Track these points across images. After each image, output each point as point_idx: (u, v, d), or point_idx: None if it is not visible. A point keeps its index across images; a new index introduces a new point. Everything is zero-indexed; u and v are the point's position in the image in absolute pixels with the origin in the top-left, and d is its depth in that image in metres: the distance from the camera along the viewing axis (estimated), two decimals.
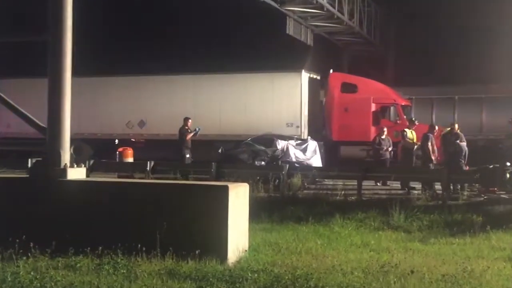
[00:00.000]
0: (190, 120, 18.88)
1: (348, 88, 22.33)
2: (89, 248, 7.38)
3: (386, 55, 31.01)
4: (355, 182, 15.22)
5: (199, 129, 18.91)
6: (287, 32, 24.62)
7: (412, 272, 6.86)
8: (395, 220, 11.48)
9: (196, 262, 7.25)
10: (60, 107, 8.85)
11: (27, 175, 10.17)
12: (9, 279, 6.34)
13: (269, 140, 19.44)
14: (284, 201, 13.93)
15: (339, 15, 24.61)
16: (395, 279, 6.58)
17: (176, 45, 30.32)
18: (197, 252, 7.37)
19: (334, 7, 23.98)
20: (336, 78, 22.73)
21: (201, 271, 6.97)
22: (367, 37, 28.54)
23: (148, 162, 17.30)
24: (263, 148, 18.96)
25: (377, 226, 11.36)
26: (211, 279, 6.63)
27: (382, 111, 21.79)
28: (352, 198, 14.44)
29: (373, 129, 21.39)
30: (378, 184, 17.25)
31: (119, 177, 17.04)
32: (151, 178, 15.97)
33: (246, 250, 8.23)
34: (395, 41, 30.80)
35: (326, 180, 17.25)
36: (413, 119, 19.10)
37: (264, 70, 22.82)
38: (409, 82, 25.55)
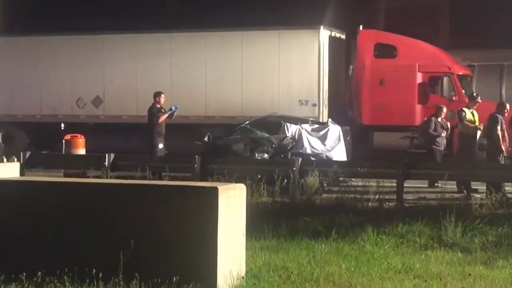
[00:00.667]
0: (163, 96, 18.78)
1: (385, 51, 22.35)
2: (24, 274, 7.39)
3: (439, 5, 30.82)
4: (394, 182, 15.25)
5: (176, 108, 18.82)
6: None
7: None
8: (449, 235, 11.50)
9: None
10: None
11: None
12: None
13: (274, 124, 19.44)
14: (296, 208, 13.97)
15: None
16: None
17: None
18: (174, 279, 7.38)
19: None
20: (368, 38, 22.70)
21: None
22: None
23: (107, 155, 17.36)
24: (266, 135, 18.97)
25: (424, 244, 11.37)
26: None
27: (432, 83, 21.80)
28: (390, 204, 14.47)
29: (418, 109, 21.45)
30: (438, 185, 17.21)
31: (66, 175, 17.07)
32: (111, 177, 16.00)
33: (242, 277, 8.25)
34: None
35: (353, 179, 17.28)
36: (475, 94, 19.05)
37: (268, 26, 22.71)
38: (469, 43, 25.48)
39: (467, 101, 18.78)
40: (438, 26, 29.92)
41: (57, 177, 14.53)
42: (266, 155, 18.41)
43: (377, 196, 14.38)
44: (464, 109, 17.83)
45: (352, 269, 9.31)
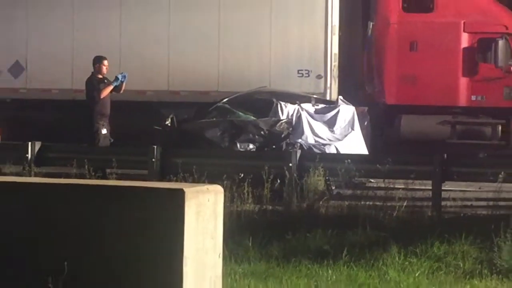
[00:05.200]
0: (105, 62, 18.74)
1: (418, 2, 22.42)
2: None
3: None
4: (428, 185, 15.31)
5: (123, 77, 18.74)
6: None
7: None
8: (504, 259, 11.54)
9: None
10: None
11: None
12: None
13: (263, 102, 19.51)
14: (292, 220, 13.99)
15: None
16: None
17: None
18: None
19: None
20: None
21: None
22: None
23: (30, 145, 17.34)
24: (251, 118, 19.02)
25: (469, 270, 11.43)
26: None
27: (482, 48, 21.86)
28: (424, 215, 14.51)
29: (464, 83, 21.52)
30: None
31: None
32: (36, 174, 15.99)
33: None
34: None
35: (372, 180, 17.32)
36: None
37: None
38: None
39: None
40: None
41: None
42: (251, 146, 18.47)
43: (405, 203, 14.42)
44: None
45: None
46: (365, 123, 20.34)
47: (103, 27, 22.77)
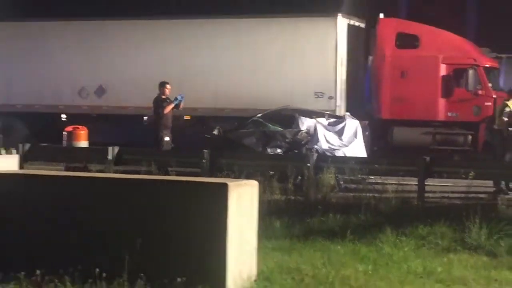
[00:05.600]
0: (168, 86, 18.71)
1: (407, 41, 22.33)
2: (23, 273, 7.42)
3: None
4: (415, 181, 15.24)
5: (182, 97, 18.70)
6: None
7: None
8: (473, 238, 11.43)
9: None
10: None
11: None
12: None
13: (288, 117, 19.43)
14: (310, 207, 13.92)
15: None
16: None
17: None
18: (180, 280, 7.38)
19: None
20: (389, 27, 22.67)
21: None
22: None
23: (110, 148, 17.36)
24: (279, 128, 18.97)
25: (446, 246, 11.33)
26: None
27: (456, 76, 21.75)
28: (410, 204, 14.41)
29: (442, 103, 21.41)
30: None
31: (67, 169, 17.09)
32: (115, 171, 16.01)
33: (254, 280, 8.24)
34: None
35: (371, 177, 17.24)
36: None
37: (282, 13, 22.71)
38: (498, 34, 25.34)
39: (507, 95, 18.75)
40: (465, 15, 29.83)
41: (58, 171, 14.56)
42: (279, 150, 18.42)
43: (396, 195, 14.34)
44: (507, 102, 17.82)
45: (370, 272, 9.28)
46: (366, 133, 20.24)
47: (168, 60, 22.77)
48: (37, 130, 23.55)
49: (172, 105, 18.51)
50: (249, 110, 20.89)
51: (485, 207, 13.11)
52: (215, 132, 19.77)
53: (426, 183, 15.37)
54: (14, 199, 8.40)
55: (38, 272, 7.38)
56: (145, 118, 19.83)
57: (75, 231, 8.03)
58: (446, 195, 15.84)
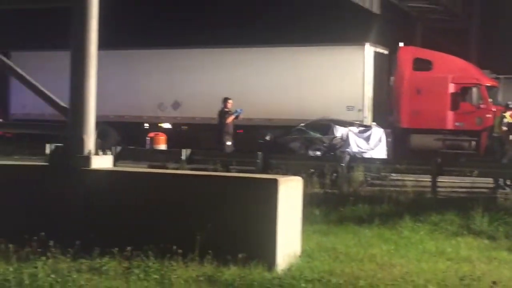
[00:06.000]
0: (230, 101, 18.78)
1: (422, 65, 22.12)
2: (116, 249, 7.47)
3: (469, 27, 30.36)
4: (429, 178, 15.08)
5: (241, 110, 18.79)
6: None
7: (494, 283, 6.75)
8: (477, 224, 11.31)
9: (239, 268, 7.28)
10: (84, 85, 8.97)
11: (46, 163, 10.40)
12: (27, 281, 6.51)
13: (326, 126, 19.37)
14: (343, 198, 13.82)
15: None
16: None
17: (217, 14, 30.39)
18: (240, 256, 7.39)
19: None
20: (407, 53, 22.51)
21: (246, 278, 6.99)
22: (447, 4, 27.95)
23: (184, 151, 17.43)
24: (318, 135, 18.93)
25: (454, 231, 11.20)
26: None
27: (463, 92, 21.51)
28: (426, 196, 14.27)
29: (450, 115, 21.21)
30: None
31: (150, 167, 17.25)
32: (187, 169, 16.11)
33: (298, 256, 8.23)
34: (480, 10, 30.08)
35: (393, 174, 17.09)
36: (510, 103, 18.81)
37: (320, 43, 22.77)
38: (495, 58, 25.03)
39: (504, 108, 18.65)
40: (468, 43, 29.52)
41: (143, 168, 14.70)
42: (318, 153, 18.39)
43: (413, 190, 14.20)
44: (505, 114, 17.76)
45: (392, 251, 9.23)
46: (389, 139, 20.10)
47: (230, 80, 22.84)
48: (126, 136, 23.79)
49: (233, 116, 18.56)
50: (294, 120, 20.84)
51: (486, 199, 12.97)
52: (267, 138, 19.83)
53: (438, 180, 15.16)
54: (108, 190, 8.50)
55: (128, 248, 7.46)
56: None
57: (157, 216, 8.10)
58: (454, 189, 15.60)
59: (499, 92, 22.79)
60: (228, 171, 15.69)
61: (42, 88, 9.54)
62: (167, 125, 24.16)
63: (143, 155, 19.09)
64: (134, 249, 7.46)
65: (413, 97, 21.77)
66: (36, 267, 7.01)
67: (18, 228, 7.86)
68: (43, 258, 7.27)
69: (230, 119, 18.53)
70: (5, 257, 7.42)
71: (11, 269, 6.95)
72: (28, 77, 9.74)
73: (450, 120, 21.38)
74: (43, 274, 6.77)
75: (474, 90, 21.30)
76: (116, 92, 23.51)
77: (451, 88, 21.51)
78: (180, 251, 7.41)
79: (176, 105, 24.31)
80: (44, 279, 6.62)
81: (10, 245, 7.51)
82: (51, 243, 7.47)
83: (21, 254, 7.42)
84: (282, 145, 18.92)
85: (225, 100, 18.81)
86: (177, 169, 15.95)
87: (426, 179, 15.20)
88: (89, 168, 8.74)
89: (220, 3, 30.88)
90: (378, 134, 19.47)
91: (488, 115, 20.75)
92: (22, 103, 24.80)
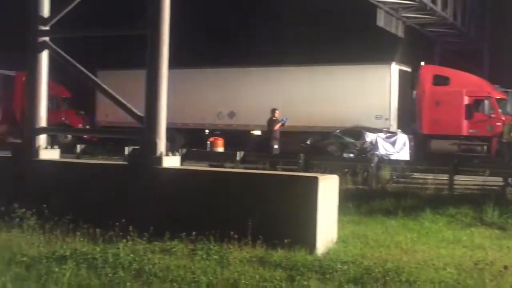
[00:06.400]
0: (277, 111, 18.85)
1: (440, 80, 21.81)
2: (183, 234, 7.54)
3: (481, 49, 29.85)
4: (446, 177, 14.82)
5: (286, 119, 18.86)
6: (378, 23, 24.22)
7: (505, 267, 6.60)
8: (488, 217, 11.07)
9: (285, 251, 7.27)
10: (157, 97, 9.09)
11: (125, 163, 10.57)
12: (111, 260, 6.63)
13: (358, 132, 19.25)
14: (372, 193, 13.71)
15: (432, 6, 23.98)
16: (490, 277, 6.35)
17: (266, 38, 30.51)
18: (286, 241, 7.38)
19: None
20: (428, 71, 22.24)
21: (291, 260, 6.98)
22: (461, 28, 27.55)
23: (238, 153, 17.49)
24: (351, 140, 18.82)
25: (469, 222, 10.99)
26: (301, 269, 6.63)
27: (476, 104, 21.11)
28: (444, 193, 14.03)
29: (465, 123, 20.89)
30: None
31: (210, 166, 17.38)
32: (241, 168, 16.17)
33: (335, 242, 8.19)
34: (491, 34, 29.53)
35: (415, 173, 16.86)
36: None
37: (353, 62, 22.68)
38: (504, 74, 24.53)
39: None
40: (481, 62, 29.02)
41: (205, 167, 14.82)
42: (351, 155, 18.26)
43: (433, 186, 13.98)
44: None
45: (415, 239, 9.10)
46: (411, 143, 19.84)
47: (277, 94, 22.84)
48: (190, 140, 24.00)
49: (279, 124, 18.63)
50: (331, 128, 20.76)
51: (497, 195, 12.66)
52: (308, 142, 19.76)
53: (454, 178, 14.89)
54: (177, 185, 8.59)
55: (193, 233, 7.54)
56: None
57: (217, 207, 8.15)
58: (468, 187, 15.28)
59: (508, 104, 22.29)
60: (275, 170, 15.70)
61: (122, 100, 9.70)
62: (257, 132, 24.00)
63: (204, 156, 19.19)
64: (198, 234, 7.52)
65: (433, 108, 21.43)
66: (118, 248, 7.13)
67: (103, 215, 7.99)
68: (124, 240, 7.40)
69: (277, 127, 18.59)
70: (92, 240, 7.57)
71: (98, 249, 7.09)
72: (110, 91, 9.94)
73: (465, 128, 21.00)
74: (124, 254, 6.88)
75: (486, 102, 20.93)
76: (182, 103, 23.72)
77: (466, 100, 21.13)
78: (236, 236, 7.45)
79: (231, 114, 24.43)
80: (125, 257, 6.73)
81: (97, 230, 7.67)
82: (130, 228, 7.59)
83: (106, 237, 7.55)
84: (321, 148, 18.85)
85: (273, 110, 18.87)
86: (232, 168, 16.05)
87: (444, 177, 14.93)
88: (160, 167, 8.84)
89: (266, 30, 31.02)
90: (402, 139, 19.25)
91: (498, 123, 20.37)
92: (105, 113, 25.27)
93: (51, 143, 10.70)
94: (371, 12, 24.18)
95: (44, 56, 10.18)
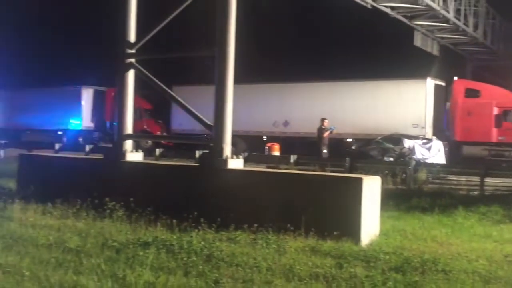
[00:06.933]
0: (326, 121, 18.76)
1: (472, 93, 21.26)
2: (246, 225, 7.61)
3: (510, 64, 28.77)
4: (477, 179, 14.37)
5: (334, 128, 18.79)
6: (415, 43, 23.73)
7: None
8: None
9: (334, 242, 7.22)
10: (224, 109, 9.21)
11: (197, 164, 10.73)
12: (185, 246, 6.75)
13: (397, 139, 18.96)
14: (410, 193, 13.41)
15: (464, 27, 23.31)
16: None
17: (316, 56, 30.44)
18: (335, 233, 7.33)
19: (459, 20, 22.74)
20: (460, 84, 21.70)
21: (339, 249, 6.93)
22: (491, 47, 26.70)
23: (292, 156, 17.46)
24: (391, 146, 18.53)
25: (499, 219, 10.55)
26: (348, 257, 6.57)
27: (504, 114, 20.45)
28: (475, 193, 13.61)
29: (494, 131, 20.25)
30: None
31: (267, 167, 17.39)
32: (295, 169, 16.14)
33: (377, 235, 8.07)
34: None
35: (449, 176, 16.40)
36: None
37: (393, 77, 22.37)
38: None
39: None
40: (509, 76, 27.96)
41: (263, 168, 14.84)
42: (391, 159, 17.96)
43: (465, 187, 13.58)
44: None
45: (449, 233, 8.83)
46: (446, 149, 19.37)
47: (326, 105, 22.69)
48: (250, 145, 24.14)
49: (328, 132, 18.55)
50: (373, 135, 20.53)
51: None
52: (353, 147, 19.57)
53: (484, 180, 14.42)
54: (239, 183, 8.65)
55: (254, 225, 7.58)
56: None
57: (275, 203, 8.15)
58: (498, 188, 14.75)
59: None
60: (324, 171, 15.60)
61: (194, 111, 9.88)
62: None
63: (263, 159, 19.25)
64: (258, 225, 7.56)
65: (465, 118, 20.88)
66: (191, 236, 7.23)
67: (178, 208, 8.15)
68: (196, 230, 7.52)
69: (326, 134, 18.51)
70: (170, 229, 7.71)
71: (174, 237, 7.20)
72: (184, 103, 10.14)
73: (494, 135, 20.39)
74: (196, 241, 6.98)
75: None
76: (244, 114, 23.85)
77: (495, 110, 20.52)
78: (291, 228, 7.46)
79: (286, 123, 24.44)
80: (197, 244, 6.82)
81: (174, 220, 7.82)
82: (201, 220, 7.71)
83: (181, 227, 7.69)
84: (364, 153, 18.64)
85: (323, 120, 18.80)
86: (287, 169, 16.04)
87: (475, 179, 14.48)
88: (226, 168, 8.94)
89: (315, 47, 30.93)
90: (437, 145, 18.85)
91: None
92: (179, 122, 25.70)
93: (135, 147, 10.98)
94: (409, 33, 23.77)
95: (131, 74, 10.50)
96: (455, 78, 21.88)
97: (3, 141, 24.43)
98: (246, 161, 17.38)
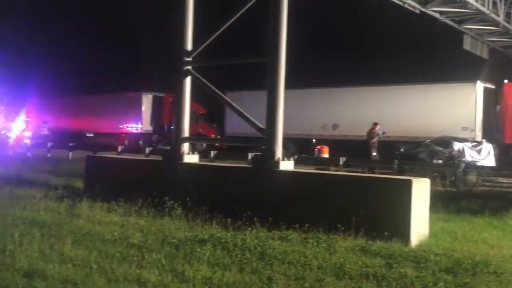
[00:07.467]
0: (378, 126, 18.63)
1: None
2: (297, 225, 7.59)
3: None
4: None
5: (383, 132, 18.63)
6: (464, 47, 22.99)
7: None
8: None
9: (383, 243, 7.09)
10: (276, 113, 9.26)
11: (249, 165, 10.81)
12: (239, 243, 6.81)
13: (446, 141, 18.44)
14: (460, 195, 13.00)
15: None
16: None
17: (365, 61, 30.10)
18: (384, 234, 7.21)
19: (509, 23, 21.89)
20: (510, 87, 20.87)
21: (388, 250, 6.80)
22: None
23: (341, 158, 17.30)
24: (440, 148, 18.04)
25: None
26: (397, 258, 6.44)
27: None
28: None
29: None
30: None
31: (317, 169, 17.30)
32: (344, 171, 15.99)
33: (426, 236, 7.88)
34: None
35: (500, 178, 15.81)
36: None
37: (443, 81, 21.88)
38: None
39: None
40: None
41: (313, 170, 14.76)
42: (440, 161, 17.49)
43: None
44: None
45: (500, 236, 8.50)
46: (495, 151, 18.69)
47: (372, 107, 22.47)
48: (299, 148, 24.09)
49: (377, 137, 18.36)
50: (422, 138, 20.06)
51: None
52: (401, 150, 19.19)
53: None
54: (293, 184, 8.64)
55: (306, 224, 7.57)
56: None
57: (325, 204, 8.11)
58: None
59: None
60: (373, 173, 15.40)
61: (247, 115, 9.97)
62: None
63: (312, 161, 19.16)
64: (309, 225, 7.53)
65: None
66: (245, 234, 7.28)
67: (232, 207, 8.22)
68: (249, 228, 7.56)
69: (375, 139, 18.38)
70: (225, 227, 7.79)
71: (229, 235, 7.26)
72: (237, 107, 10.25)
73: None
74: (250, 239, 7.02)
75: None
76: (294, 118, 23.80)
77: None
78: (342, 228, 7.40)
79: (335, 126, 24.30)
80: (250, 242, 6.86)
81: (228, 219, 7.91)
82: (255, 219, 7.76)
83: (235, 225, 7.74)
84: (413, 156, 18.21)
85: (375, 124, 18.72)
86: (336, 171, 15.90)
87: None
88: (278, 169, 8.98)
89: (365, 53, 30.58)
90: (487, 148, 18.20)
91: None
92: (232, 125, 25.98)
93: (191, 149, 11.18)
94: (459, 37, 23.12)
95: (188, 81, 10.71)
96: (505, 81, 21.09)
97: (70, 144, 25.42)
98: (296, 163, 17.50)
